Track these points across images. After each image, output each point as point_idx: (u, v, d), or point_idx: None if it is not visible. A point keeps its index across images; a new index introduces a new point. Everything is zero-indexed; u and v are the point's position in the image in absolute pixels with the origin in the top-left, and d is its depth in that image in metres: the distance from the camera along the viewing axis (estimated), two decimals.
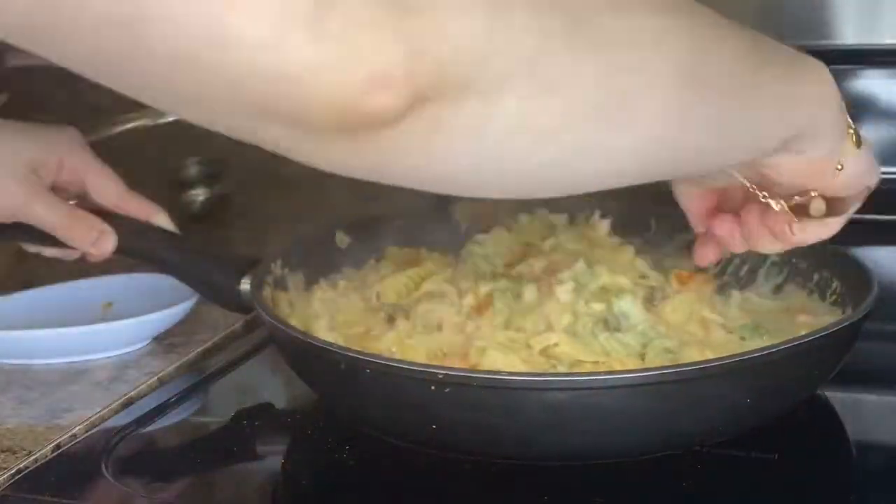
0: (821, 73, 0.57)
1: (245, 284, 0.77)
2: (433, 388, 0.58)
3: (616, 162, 0.48)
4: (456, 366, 0.64)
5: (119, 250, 0.82)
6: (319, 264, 0.83)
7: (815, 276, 0.79)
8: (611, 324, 0.69)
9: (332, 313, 0.75)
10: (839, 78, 0.57)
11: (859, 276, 0.72)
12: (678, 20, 0.48)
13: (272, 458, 0.70)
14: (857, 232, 0.66)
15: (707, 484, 0.62)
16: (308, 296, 0.79)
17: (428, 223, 0.87)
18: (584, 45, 0.43)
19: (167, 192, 1.10)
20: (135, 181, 0.86)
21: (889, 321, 0.71)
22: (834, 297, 0.76)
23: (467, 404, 0.58)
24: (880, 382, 0.76)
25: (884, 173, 0.62)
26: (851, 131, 0.60)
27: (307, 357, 0.66)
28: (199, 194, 1.21)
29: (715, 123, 0.51)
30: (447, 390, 0.57)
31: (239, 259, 0.80)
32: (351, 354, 0.62)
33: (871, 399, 0.76)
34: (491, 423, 0.59)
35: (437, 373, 0.58)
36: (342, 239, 0.85)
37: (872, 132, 0.98)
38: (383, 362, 0.61)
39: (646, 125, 0.47)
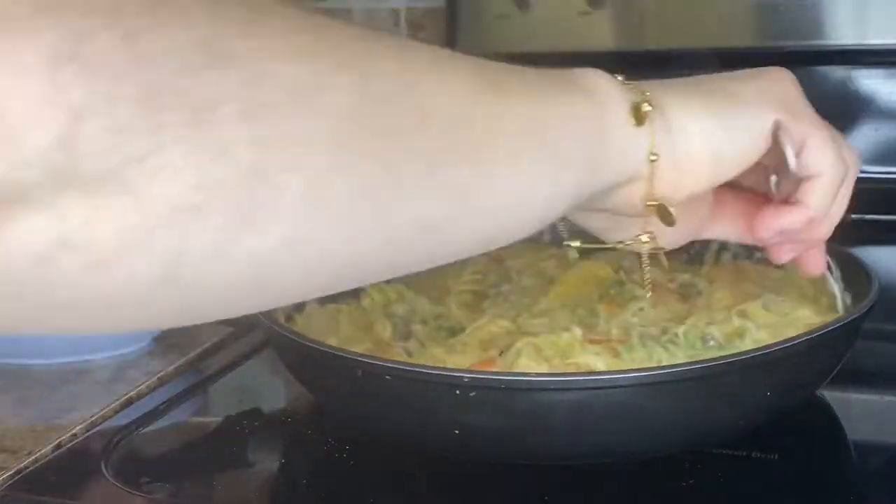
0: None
1: None
2: (458, 392, 0.56)
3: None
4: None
5: None
6: None
7: None
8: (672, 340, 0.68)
9: (337, 323, 0.75)
10: (837, 78, 0.56)
11: (858, 273, 0.72)
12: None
13: (272, 458, 0.70)
14: (857, 231, 0.66)
15: (707, 484, 0.62)
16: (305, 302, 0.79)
17: None
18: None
19: None
20: None
21: (888, 321, 0.71)
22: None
23: (493, 408, 0.57)
24: (880, 382, 0.76)
25: (884, 173, 0.62)
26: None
27: (317, 365, 0.65)
28: None
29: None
30: (472, 394, 0.56)
31: None
32: (370, 361, 0.60)
33: (871, 399, 0.76)
34: (516, 427, 0.58)
35: (463, 376, 0.57)
36: None
37: (870, 132, 0.98)
38: (405, 368, 0.59)
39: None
